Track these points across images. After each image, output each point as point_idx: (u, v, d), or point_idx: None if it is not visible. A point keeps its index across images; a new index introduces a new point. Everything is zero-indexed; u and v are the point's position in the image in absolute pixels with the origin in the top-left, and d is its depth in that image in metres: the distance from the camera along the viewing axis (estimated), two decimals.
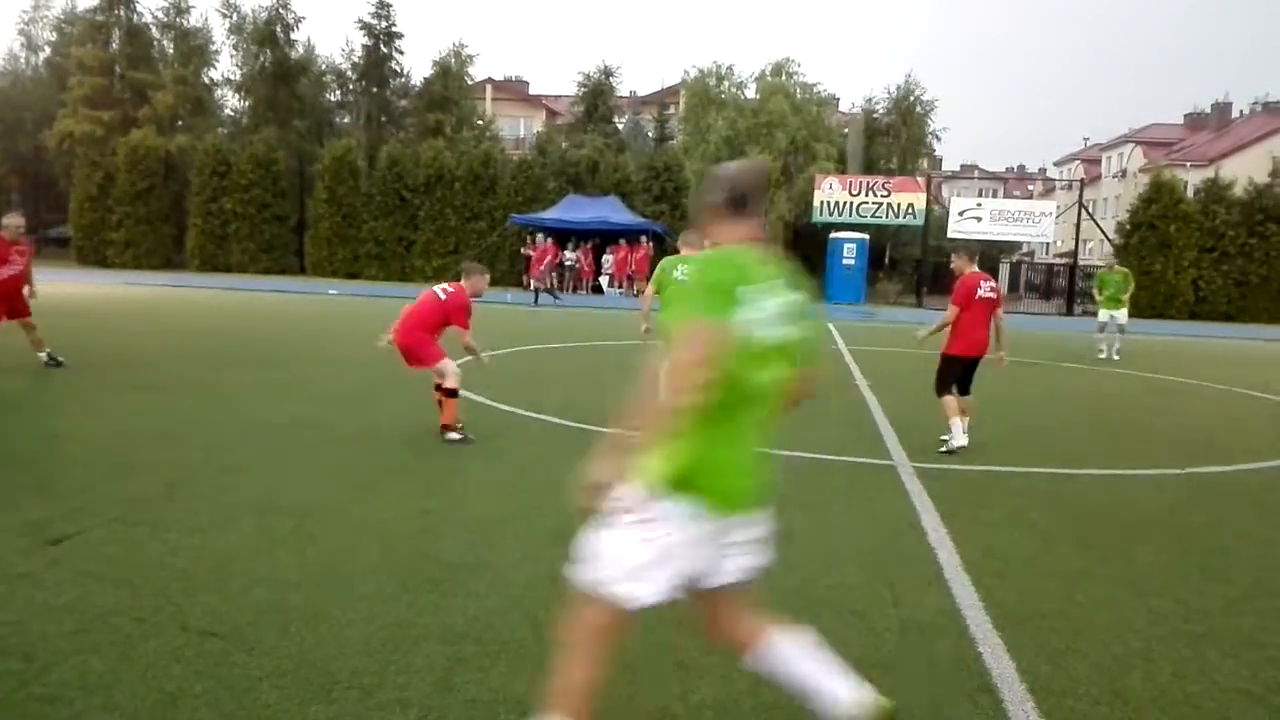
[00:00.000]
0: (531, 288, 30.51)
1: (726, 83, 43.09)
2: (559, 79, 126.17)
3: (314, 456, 6.93)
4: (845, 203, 34.77)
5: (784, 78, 42.44)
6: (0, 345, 10.81)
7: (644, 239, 33.09)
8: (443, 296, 7.91)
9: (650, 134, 47.76)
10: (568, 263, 33.16)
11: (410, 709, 3.23)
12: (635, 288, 32.62)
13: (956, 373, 8.11)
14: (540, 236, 29.50)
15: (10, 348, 10.73)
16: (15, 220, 10.72)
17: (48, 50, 48.92)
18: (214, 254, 35.46)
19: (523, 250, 33.23)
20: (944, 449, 7.91)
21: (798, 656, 2.79)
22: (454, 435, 7.70)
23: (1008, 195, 50.41)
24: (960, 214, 34.60)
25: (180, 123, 41.61)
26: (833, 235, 33.76)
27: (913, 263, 38.97)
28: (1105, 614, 4.37)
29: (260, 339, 14.82)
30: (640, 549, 2.53)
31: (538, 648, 3.72)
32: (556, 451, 7.50)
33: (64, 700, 3.17)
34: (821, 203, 34.92)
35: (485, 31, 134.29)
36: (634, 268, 32.78)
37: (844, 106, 48.37)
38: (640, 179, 36.07)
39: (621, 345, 15.96)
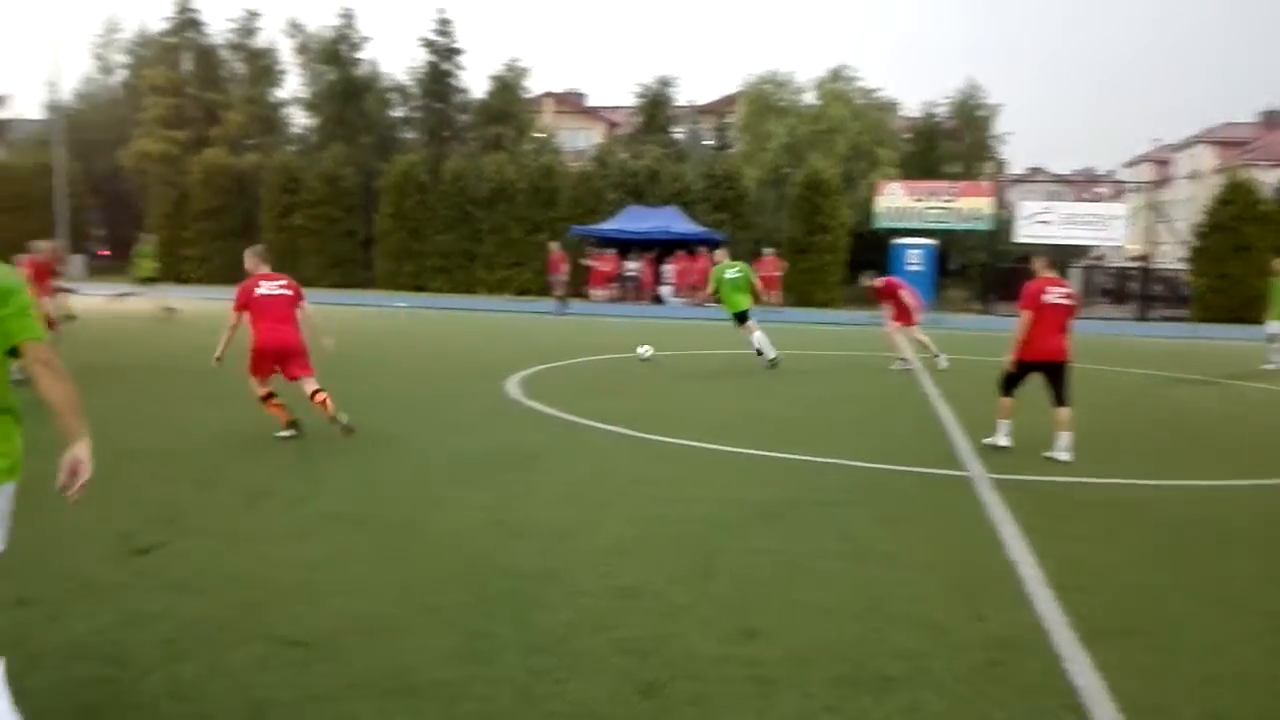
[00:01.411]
0: (594, 298, 30.71)
1: (785, 90, 42.89)
2: (617, 90, 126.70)
3: (389, 468, 7.03)
4: (909, 208, 34.34)
5: (843, 83, 42.11)
6: (87, 363, 11.15)
7: (704, 249, 33.04)
8: (289, 291, 8.47)
9: (709, 143, 47.73)
10: (628, 273, 33.26)
11: None
12: (697, 297, 32.59)
13: (1021, 376, 8.08)
14: (554, 245, 29.41)
15: (99, 365, 11.07)
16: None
17: (122, 73, 50.55)
18: (285, 269, 36.14)
19: (583, 261, 33.45)
20: (986, 441, 8.19)
21: None
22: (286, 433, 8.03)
23: (1076, 198, 49.36)
24: (1028, 218, 33.95)
25: (250, 141, 42.67)
26: (896, 241, 33.36)
27: (979, 268, 38.30)
28: (1197, 630, 4.23)
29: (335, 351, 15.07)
30: None
31: (613, 660, 3.72)
32: (623, 462, 7.51)
33: (155, 709, 3.25)
34: (885, 209, 34.54)
35: (544, 45, 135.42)
36: (695, 277, 32.75)
37: (904, 111, 47.75)
38: (700, 188, 36.03)
39: (684, 355, 15.94)
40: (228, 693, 3.36)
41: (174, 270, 37.63)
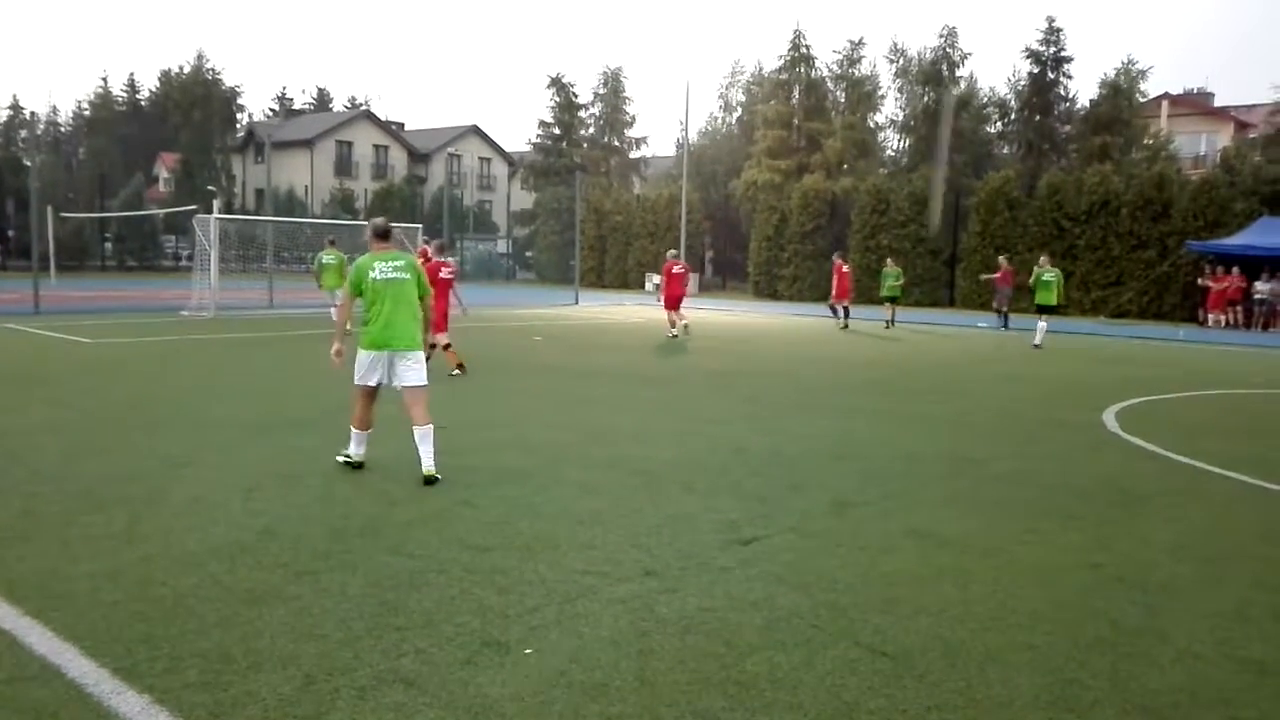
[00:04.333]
0: (1210, 323, 27.06)
1: None
2: (1252, 87, 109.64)
3: (969, 491, 6.88)
4: None
5: None
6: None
7: None
8: (454, 275, 13.13)
9: None
10: (1257, 295, 28.65)
11: None
12: None
13: None
14: (1002, 259, 26.15)
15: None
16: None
17: (739, 110, 56.28)
18: (868, 287, 37.34)
19: (1200, 281, 29.54)
20: None
21: (417, 436, 6.57)
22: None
23: None
24: None
25: (845, 166, 44.76)
26: None
27: None
28: None
29: (910, 370, 15.22)
30: (360, 365, 6.68)
31: None
32: (1247, 515, 6.50)
33: (756, 689, 3.53)
34: None
35: (1163, 42, 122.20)
36: None
37: None
38: None
39: None
40: (819, 688, 3.54)
41: (770, 288, 40.98)
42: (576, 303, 31.45)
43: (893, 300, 25.16)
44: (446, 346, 12.43)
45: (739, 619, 4.21)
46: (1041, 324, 19.45)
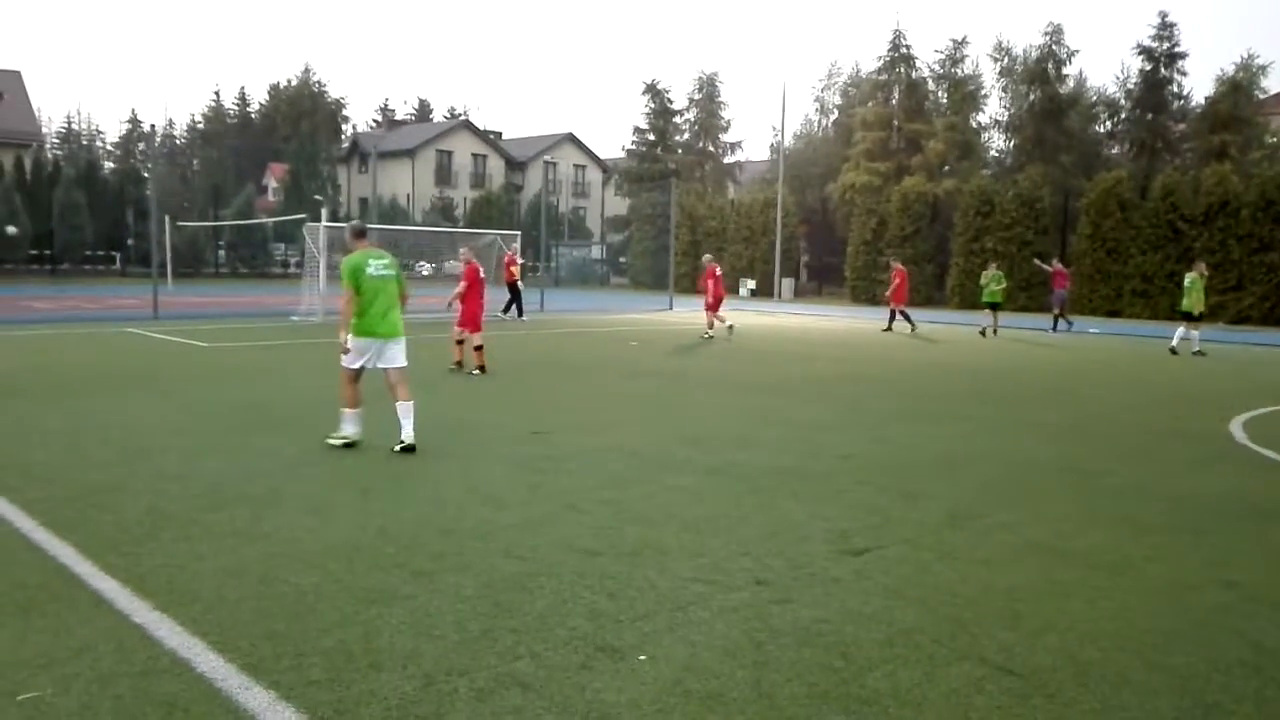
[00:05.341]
0: None
1: None
2: None
3: (1089, 503, 6.60)
4: None
5: None
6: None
7: None
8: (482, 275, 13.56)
9: None
10: None
11: None
12: None
13: None
14: (1055, 261, 26.33)
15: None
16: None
17: (835, 112, 55.59)
18: (972, 291, 36.42)
19: None
20: None
21: (400, 411, 7.62)
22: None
23: None
24: None
25: (947, 167, 43.76)
26: None
27: None
28: None
29: (1019, 376, 14.75)
30: (352, 350, 7.67)
31: None
32: None
33: (879, 705, 3.43)
34: None
35: None
36: None
37: None
38: None
39: None
40: (944, 706, 3.42)
41: (869, 293, 40.31)
42: (670, 308, 31.44)
43: (994, 306, 24.18)
44: (478, 348, 12.92)
45: (856, 632, 4.10)
46: (1179, 329, 19.38)
